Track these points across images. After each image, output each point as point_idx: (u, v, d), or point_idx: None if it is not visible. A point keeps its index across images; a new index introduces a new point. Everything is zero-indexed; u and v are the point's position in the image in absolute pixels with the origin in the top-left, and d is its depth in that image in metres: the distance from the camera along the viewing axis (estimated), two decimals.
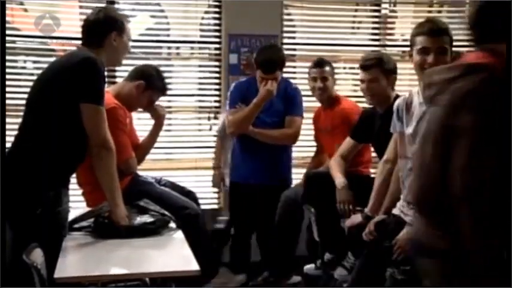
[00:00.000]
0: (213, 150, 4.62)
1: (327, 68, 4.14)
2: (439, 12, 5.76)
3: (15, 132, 2.98)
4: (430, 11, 5.74)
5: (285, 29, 5.05)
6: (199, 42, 5.10)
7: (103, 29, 3.03)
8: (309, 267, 4.01)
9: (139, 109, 3.84)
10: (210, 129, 4.87)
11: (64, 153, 2.92)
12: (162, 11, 5.23)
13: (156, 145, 4.49)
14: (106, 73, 4.37)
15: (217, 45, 4.96)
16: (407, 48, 5.40)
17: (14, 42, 4.88)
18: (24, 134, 2.93)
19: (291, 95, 4.15)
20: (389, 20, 5.56)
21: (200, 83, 5.21)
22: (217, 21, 4.96)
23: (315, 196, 3.71)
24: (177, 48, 5.35)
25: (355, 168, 3.89)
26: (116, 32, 3.03)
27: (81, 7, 5.02)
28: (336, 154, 3.79)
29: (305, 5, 5.17)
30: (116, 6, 4.94)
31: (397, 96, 3.58)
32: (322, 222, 3.72)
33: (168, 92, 5.03)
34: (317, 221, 3.76)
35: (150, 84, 3.66)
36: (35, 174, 2.85)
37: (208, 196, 4.74)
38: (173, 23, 5.25)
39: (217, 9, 4.95)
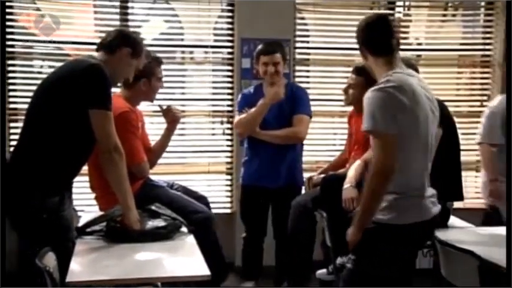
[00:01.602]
0: (225, 154, 4.61)
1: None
2: (454, 15, 5.71)
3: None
4: (444, 15, 5.69)
5: (298, 33, 5.07)
6: (212, 46, 5.12)
7: (121, 40, 3.08)
8: (321, 273, 3.99)
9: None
10: (223, 134, 4.87)
11: (67, 158, 2.94)
12: (176, 15, 5.25)
13: (169, 149, 4.50)
14: None
15: (230, 50, 4.99)
16: (422, 52, 5.51)
17: (31, 47, 4.93)
18: (27, 140, 2.95)
19: (297, 94, 4.16)
20: (403, 23, 5.54)
21: (213, 87, 5.22)
22: (230, 26, 4.99)
23: (328, 199, 3.70)
24: (191, 52, 5.34)
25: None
26: (131, 49, 3.08)
27: (95, 12, 5.05)
28: (362, 158, 3.76)
29: (318, 9, 5.17)
30: (130, 11, 4.99)
31: None
32: (334, 226, 3.70)
33: (182, 96, 5.08)
34: (328, 226, 3.74)
35: (150, 76, 3.59)
36: (39, 180, 2.87)
37: (221, 200, 4.75)
38: (187, 28, 5.26)
39: (230, 14, 4.98)
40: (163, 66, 3.72)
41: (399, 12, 5.57)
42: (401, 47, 5.34)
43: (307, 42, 5.22)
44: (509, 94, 3.59)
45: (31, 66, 5.00)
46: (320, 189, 3.79)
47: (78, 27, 5.03)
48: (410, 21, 5.63)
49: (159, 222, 3.12)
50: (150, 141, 3.83)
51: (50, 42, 4.91)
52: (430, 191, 2.78)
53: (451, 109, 5.30)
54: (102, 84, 2.88)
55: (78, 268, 2.59)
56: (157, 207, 3.28)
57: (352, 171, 3.63)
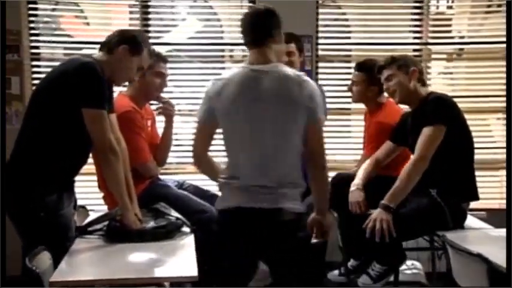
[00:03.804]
0: None
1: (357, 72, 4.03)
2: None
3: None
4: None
5: (321, 28, 4.97)
6: (231, 44, 5.07)
7: (119, 38, 3.07)
8: (332, 274, 3.89)
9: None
10: None
11: (64, 157, 2.95)
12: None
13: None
14: None
15: None
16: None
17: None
18: (25, 139, 2.97)
19: None
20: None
21: None
22: None
23: (338, 199, 3.59)
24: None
25: (388, 171, 3.66)
26: (129, 47, 3.04)
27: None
28: (372, 156, 3.67)
29: (340, 4, 5.07)
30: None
31: (431, 93, 3.44)
32: (346, 227, 3.61)
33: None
34: (340, 226, 3.65)
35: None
36: (36, 179, 2.89)
37: None
38: (209, 26, 5.22)
39: None
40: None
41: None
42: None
43: (331, 38, 5.11)
44: (509, 93, 3.45)
45: None
46: (330, 189, 3.68)
47: (112, 27, 5.06)
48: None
49: (161, 222, 3.11)
50: (159, 138, 3.83)
51: (74, 43, 4.99)
52: (262, 183, 2.63)
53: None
54: (94, 83, 2.87)
55: (66, 267, 2.59)
56: (161, 207, 3.28)
57: (361, 171, 3.53)
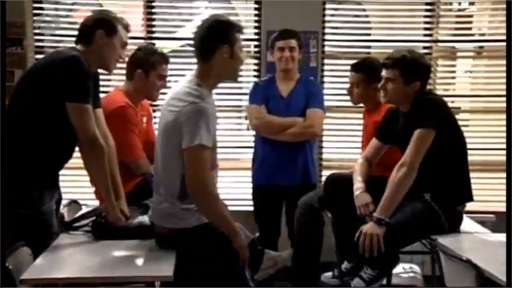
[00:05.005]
0: (250, 150, 4.47)
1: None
2: None
3: None
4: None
5: (327, 24, 4.89)
6: (246, 40, 4.94)
7: (91, 27, 2.99)
8: (326, 276, 3.80)
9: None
10: (248, 129, 4.74)
11: (47, 151, 2.91)
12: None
13: None
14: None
15: (256, 43, 4.84)
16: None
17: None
18: (7, 131, 2.92)
19: (311, 89, 4.09)
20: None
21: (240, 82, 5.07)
22: (256, 18, 4.85)
23: (332, 200, 3.51)
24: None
25: (384, 171, 3.57)
26: (103, 30, 2.96)
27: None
28: (361, 156, 3.57)
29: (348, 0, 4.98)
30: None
31: (424, 94, 3.31)
32: (340, 228, 3.52)
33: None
34: (334, 228, 3.56)
35: (148, 68, 3.53)
36: (17, 173, 2.85)
37: (245, 197, 4.60)
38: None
39: (256, 6, 4.85)
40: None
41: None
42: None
43: (337, 34, 5.01)
44: (509, 92, 3.32)
45: None
46: (323, 189, 3.61)
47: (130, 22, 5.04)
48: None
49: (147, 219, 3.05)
50: (155, 136, 3.76)
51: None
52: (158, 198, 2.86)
53: None
54: (78, 77, 2.82)
55: (41, 265, 2.56)
56: (151, 202, 3.21)
57: (356, 175, 3.42)
